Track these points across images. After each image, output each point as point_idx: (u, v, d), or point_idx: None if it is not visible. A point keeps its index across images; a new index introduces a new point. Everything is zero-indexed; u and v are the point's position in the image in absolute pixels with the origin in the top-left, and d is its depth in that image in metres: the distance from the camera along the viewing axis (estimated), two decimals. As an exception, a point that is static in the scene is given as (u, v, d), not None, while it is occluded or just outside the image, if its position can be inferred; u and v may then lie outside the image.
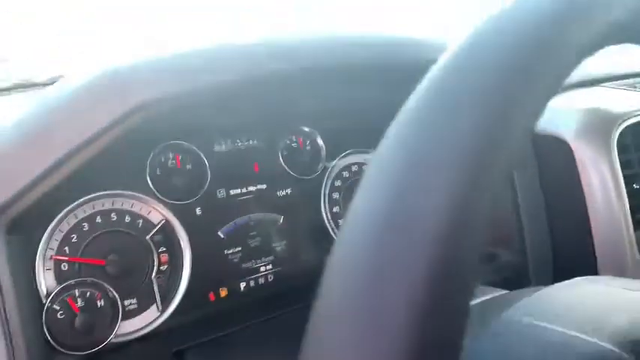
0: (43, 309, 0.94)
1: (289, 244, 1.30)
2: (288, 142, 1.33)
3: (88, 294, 1.01)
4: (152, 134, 1.11)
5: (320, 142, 1.36)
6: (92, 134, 0.76)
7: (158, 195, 1.11)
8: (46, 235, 0.97)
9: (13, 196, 0.76)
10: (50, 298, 0.95)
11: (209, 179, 1.18)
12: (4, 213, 0.77)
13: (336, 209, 1.39)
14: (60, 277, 0.99)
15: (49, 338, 0.93)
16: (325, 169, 1.37)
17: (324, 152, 1.36)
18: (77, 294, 1.00)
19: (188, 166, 1.17)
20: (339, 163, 1.41)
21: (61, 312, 0.97)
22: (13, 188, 0.76)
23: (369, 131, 1.47)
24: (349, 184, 1.42)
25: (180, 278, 1.12)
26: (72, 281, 0.99)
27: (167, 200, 1.12)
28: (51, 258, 0.98)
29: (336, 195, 1.40)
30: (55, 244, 1.00)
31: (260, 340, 1.05)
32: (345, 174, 1.42)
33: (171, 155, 1.15)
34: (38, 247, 0.96)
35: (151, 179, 1.10)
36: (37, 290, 0.95)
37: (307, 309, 1.08)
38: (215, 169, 1.20)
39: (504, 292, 0.96)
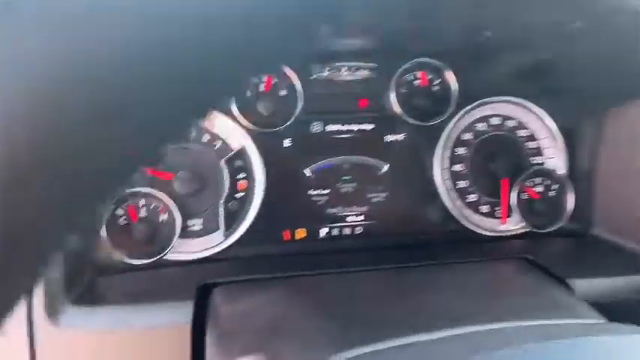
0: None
1: (390, 198, 1.11)
2: (408, 76, 1.11)
3: (153, 206, 1.01)
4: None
5: (451, 80, 1.11)
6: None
7: (240, 118, 1.03)
8: (119, 140, 0.99)
9: None
10: (114, 200, 0.98)
11: (299, 108, 1.05)
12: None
13: (458, 167, 1.13)
14: (130, 184, 1.01)
15: (106, 239, 0.97)
16: (453, 115, 1.11)
17: (455, 94, 1.11)
18: (142, 204, 1.01)
19: (281, 92, 1.06)
20: (474, 111, 1.13)
21: (123, 217, 1.00)
22: None
23: (521, 76, 1.15)
24: (484, 141, 1.14)
25: (249, 209, 1.05)
26: (141, 189, 1.00)
27: (249, 125, 1.04)
28: (122, 163, 1.00)
29: (461, 150, 1.13)
30: (129, 151, 1.01)
31: (308, 293, 0.92)
32: (481, 126, 1.14)
33: (263, 77, 1.06)
34: (110, 150, 0.99)
35: (236, 101, 1.03)
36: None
37: (392, 273, 0.85)
38: (311, 98, 1.07)
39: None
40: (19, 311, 0.78)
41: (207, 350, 0.73)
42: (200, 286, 0.86)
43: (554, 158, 1.15)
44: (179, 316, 0.81)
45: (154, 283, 0.95)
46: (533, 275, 0.89)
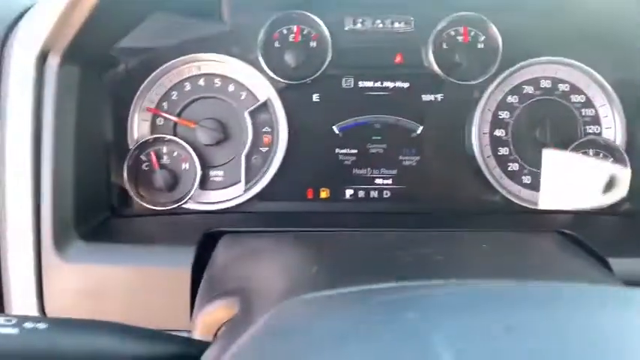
0: (127, 155, 0.98)
1: (423, 163, 1.05)
2: (448, 31, 1.02)
3: (175, 154, 1.00)
4: (272, -1, 0.99)
5: (496, 36, 1.01)
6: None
7: (266, 69, 1.00)
8: (145, 83, 0.99)
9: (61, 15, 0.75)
10: (138, 144, 0.98)
11: (328, 62, 1.00)
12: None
13: (499, 133, 1.04)
14: (154, 130, 1.01)
15: (127, 182, 0.97)
16: (497, 75, 1.02)
17: (499, 52, 1.01)
18: (164, 151, 1.00)
19: (311, 43, 1.02)
20: (521, 72, 1.03)
21: (146, 163, 1.00)
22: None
23: (575, 38, 1.04)
24: (531, 105, 1.04)
25: (271, 164, 1.02)
26: (164, 136, 1.00)
27: (275, 77, 1.00)
28: (147, 109, 1.00)
29: (504, 114, 1.04)
30: (155, 98, 1.00)
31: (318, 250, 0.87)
32: (529, 89, 1.04)
33: (293, 27, 1.02)
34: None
35: (262, 50, 1.00)
36: (126, 136, 0.99)
37: (408, 235, 0.80)
38: (343, 51, 1.01)
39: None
40: (28, 242, 0.80)
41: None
42: (206, 234, 0.84)
43: (612, 129, 1.04)
44: (184, 259, 0.80)
45: (168, 228, 0.94)
46: (568, 249, 0.80)
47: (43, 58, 0.80)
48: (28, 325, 0.46)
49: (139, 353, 0.51)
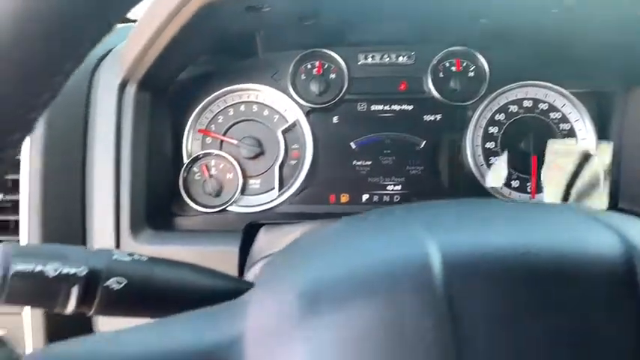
0: (183, 167, 1.20)
1: (426, 171, 1.25)
2: (444, 62, 1.24)
3: (222, 165, 1.22)
4: (297, 40, 1.22)
5: (484, 65, 1.23)
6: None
7: (294, 96, 1.23)
8: (197, 109, 1.22)
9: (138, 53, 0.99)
10: (191, 159, 1.20)
11: (344, 89, 1.23)
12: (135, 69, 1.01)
13: (490, 145, 1.24)
14: (204, 147, 1.23)
15: (182, 191, 1.19)
16: (485, 97, 1.23)
17: (487, 78, 1.22)
18: (213, 163, 1.22)
19: (331, 75, 1.25)
20: (507, 94, 1.24)
21: (198, 174, 1.22)
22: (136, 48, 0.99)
23: (552, 63, 1.24)
24: (515, 121, 1.24)
25: (300, 174, 1.23)
26: (213, 151, 1.22)
27: (302, 102, 1.23)
28: (198, 130, 1.23)
29: (494, 129, 1.24)
30: (205, 121, 1.24)
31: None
32: (513, 108, 1.24)
33: (316, 62, 1.25)
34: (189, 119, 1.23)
35: (291, 81, 1.23)
36: (182, 153, 1.22)
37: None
38: (358, 81, 1.24)
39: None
40: (110, 230, 1.01)
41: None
42: (249, 224, 1.05)
43: (586, 139, 1.22)
44: (233, 242, 1.01)
45: (217, 224, 1.15)
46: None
47: (123, 86, 1.04)
48: (135, 257, 0.67)
49: (206, 284, 0.71)
